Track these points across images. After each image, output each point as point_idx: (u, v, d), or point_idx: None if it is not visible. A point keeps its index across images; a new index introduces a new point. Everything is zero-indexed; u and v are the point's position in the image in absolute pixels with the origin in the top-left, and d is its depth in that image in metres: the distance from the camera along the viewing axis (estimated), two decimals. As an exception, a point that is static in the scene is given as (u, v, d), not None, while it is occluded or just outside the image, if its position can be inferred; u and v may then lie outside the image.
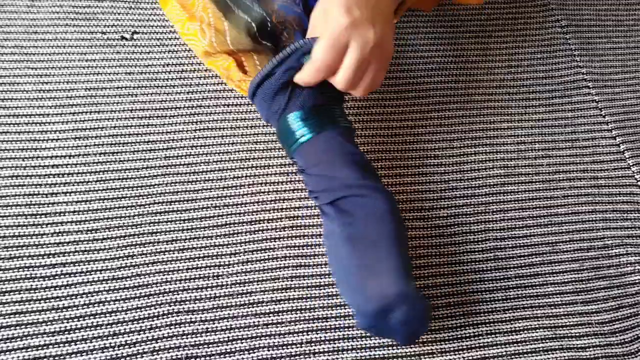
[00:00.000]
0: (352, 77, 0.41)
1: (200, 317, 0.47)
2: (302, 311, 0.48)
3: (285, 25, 0.43)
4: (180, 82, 0.55)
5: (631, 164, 0.61)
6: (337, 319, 0.49)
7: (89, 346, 0.45)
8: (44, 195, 0.49)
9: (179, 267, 0.49)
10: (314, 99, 0.44)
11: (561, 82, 0.64)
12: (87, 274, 0.47)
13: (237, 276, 0.49)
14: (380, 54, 0.42)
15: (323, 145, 0.44)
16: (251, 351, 0.47)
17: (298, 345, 0.47)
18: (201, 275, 0.49)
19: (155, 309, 0.47)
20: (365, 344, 0.48)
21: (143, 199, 0.50)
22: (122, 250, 0.48)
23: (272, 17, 0.42)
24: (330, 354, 0.47)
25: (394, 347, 0.48)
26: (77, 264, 0.47)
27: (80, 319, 0.46)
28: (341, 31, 0.39)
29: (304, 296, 0.49)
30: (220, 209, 0.51)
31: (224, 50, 0.47)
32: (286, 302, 0.49)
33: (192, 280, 0.48)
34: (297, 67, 0.42)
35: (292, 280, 0.49)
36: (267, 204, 0.52)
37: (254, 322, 0.48)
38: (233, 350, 0.46)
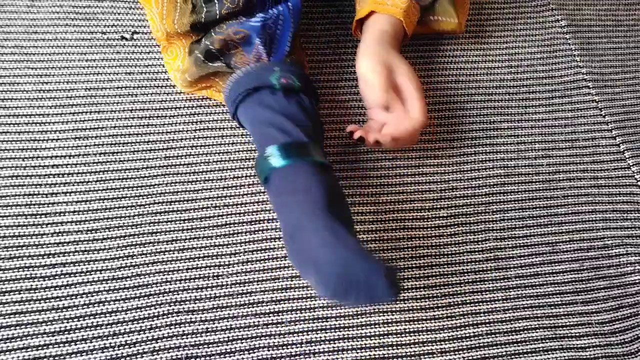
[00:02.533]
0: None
1: (200, 317, 0.47)
2: (302, 311, 0.48)
3: (227, 45, 0.48)
4: (180, 82, 0.55)
5: (631, 164, 0.61)
6: (337, 319, 0.49)
7: (89, 346, 0.45)
8: (44, 195, 0.49)
9: (179, 267, 0.49)
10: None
11: (561, 82, 0.64)
12: (87, 274, 0.47)
13: (237, 276, 0.49)
14: None
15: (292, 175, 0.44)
16: (251, 351, 0.47)
17: (298, 345, 0.47)
18: (201, 275, 0.49)
19: (155, 309, 0.47)
20: (365, 344, 0.48)
21: (143, 199, 0.51)
22: (122, 250, 0.48)
23: (214, 44, 0.47)
24: (330, 354, 0.47)
25: (394, 347, 0.48)
26: (77, 264, 0.47)
27: (80, 319, 0.46)
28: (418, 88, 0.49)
29: (304, 296, 0.49)
30: (220, 209, 0.51)
31: (187, 85, 0.52)
32: (286, 302, 0.49)
33: (192, 280, 0.48)
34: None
35: (292, 280, 0.49)
36: (267, 204, 0.52)
37: (254, 322, 0.48)
38: (233, 350, 0.46)
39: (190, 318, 0.47)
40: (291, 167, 0.44)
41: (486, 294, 0.52)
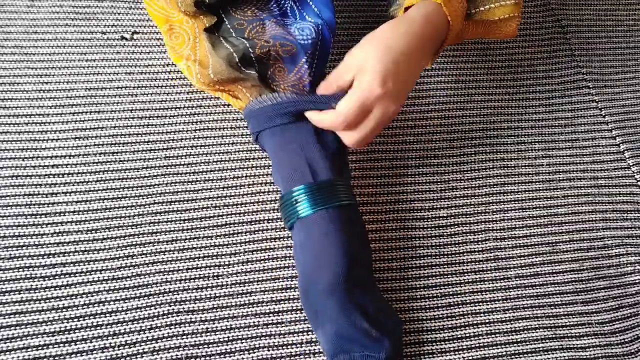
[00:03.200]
0: (365, 139, 0.43)
1: (200, 317, 0.47)
2: (302, 311, 0.48)
3: (269, 54, 0.45)
4: (180, 82, 0.55)
5: (631, 164, 0.61)
6: (337, 319, 0.49)
7: (89, 346, 0.45)
8: (44, 195, 0.49)
9: (179, 267, 0.49)
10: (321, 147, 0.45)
11: (561, 82, 0.64)
12: (87, 274, 0.47)
13: (237, 276, 0.49)
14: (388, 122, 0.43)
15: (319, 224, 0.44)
16: (251, 351, 0.47)
17: (298, 345, 0.47)
18: (201, 275, 0.49)
19: (155, 309, 0.47)
20: (365, 344, 0.48)
21: (143, 199, 0.50)
22: (122, 250, 0.48)
23: (255, 49, 0.44)
24: (330, 354, 0.47)
25: (394, 347, 0.48)
26: (77, 264, 0.47)
27: (80, 319, 0.46)
28: (372, 99, 0.40)
29: (304, 296, 0.49)
30: (220, 209, 0.51)
31: (208, 83, 0.48)
32: (286, 302, 0.49)
33: (192, 280, 0.48)
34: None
35: (292, 280, 0.49)
36: (267, 204, 0.52)
37: (254, 322, 0.48)
38: (233, 350, 0.46)
39: (190, 318, 0.47)
40: (318, 216, 0.43)
41: (486, 294, 0.52)
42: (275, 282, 0.49)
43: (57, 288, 0.47)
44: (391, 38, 0.41)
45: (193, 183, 0.52)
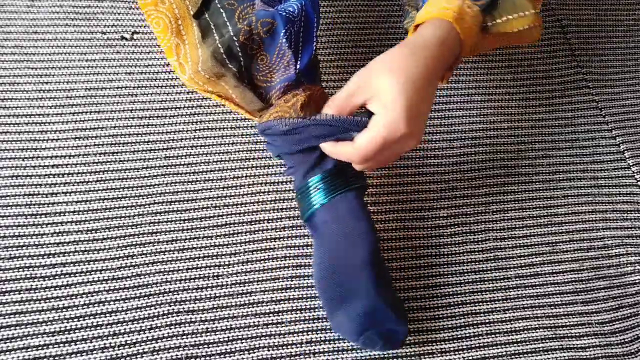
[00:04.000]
0: (375, 167, 0.43)
1: (200, 317, 0.47)
2: (302, 311, 0.48)
3: (252, 40, 0.43)
4: (181, 82, 0.55)
5: (631, 164, 0.61)
6: (337, 319, 0.49)
7: (89, 346, 0.45)
8: (44, 195, 0.49)
9: (179, 267, 0.49)
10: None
11: (561, 82, 0.64)
12: (87, 274, 0.47)
13: (237, 276, 0.49)
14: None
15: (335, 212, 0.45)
16: (251, 351, 0.47)
17: (298, 345, 0.47)
18: (201, 275, 0.49)
19: (155, 309, 0.47)
20: (365, 344, 0.48)
21: (143, 199, 0.50)
22: (122, 250, 0.48)
23: (239, 37, 0.42)
24: (330, 354, 0.47)
25: (394, 347, 0.49)
26: (77, 264, 0.47)
27: (80, 319, 0.46)
28: (397, 137, 0.38)
29: (304, 296, 0.49)
30: (220, 209, 0.51)
31: (200, 80, 0.46)
32: (286, 302, 0.49)
33: (192, 280, 0.48)
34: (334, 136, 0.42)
35: (292, 280, 0.49)
36: (267, 204, 0.52)
37: (254, 322, 0.48)
38: (233, 350, 0.46)
39: (190, 318, 0.47)
40: (336, 201, 0.44)
41: (486, 294, 0.52)
42: (275, 282, 0.49)
43: (57, 288, 0.47)
44: (410, 68, 0.38)
45: (193, 183, 0.52)
